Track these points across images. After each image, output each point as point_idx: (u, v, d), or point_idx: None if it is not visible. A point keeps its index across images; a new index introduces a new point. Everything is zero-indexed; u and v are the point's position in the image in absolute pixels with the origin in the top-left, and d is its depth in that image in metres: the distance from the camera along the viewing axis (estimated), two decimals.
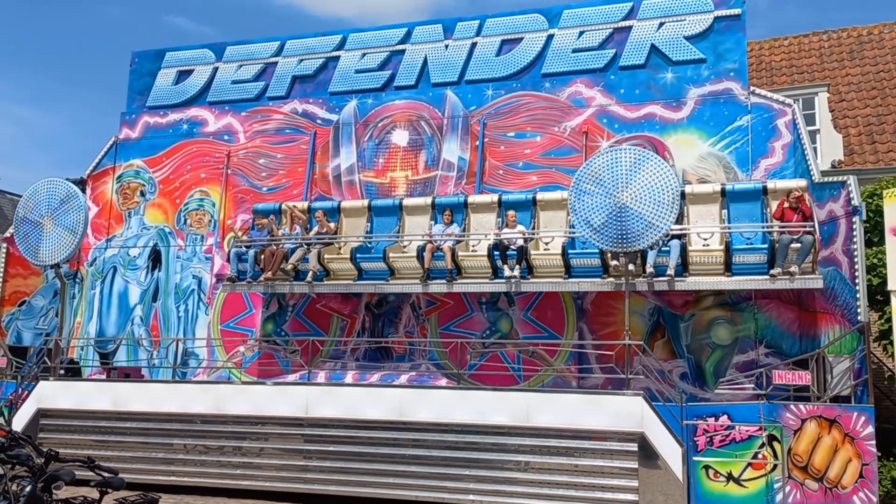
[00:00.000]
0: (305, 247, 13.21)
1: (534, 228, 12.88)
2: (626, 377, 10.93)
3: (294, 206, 13.96)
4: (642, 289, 11.72)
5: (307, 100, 15.59)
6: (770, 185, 12.13)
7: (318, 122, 15.38)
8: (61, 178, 14.25)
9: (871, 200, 12.51)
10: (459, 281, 12.54)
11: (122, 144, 16.66)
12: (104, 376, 14.76)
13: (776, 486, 10.11)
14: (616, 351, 11.72)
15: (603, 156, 11.32)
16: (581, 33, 14.30)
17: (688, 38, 13.60)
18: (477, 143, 14.30)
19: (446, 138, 14.56)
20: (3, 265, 15.92)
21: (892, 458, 11.47)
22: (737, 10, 13.45)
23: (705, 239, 11.95)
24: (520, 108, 14.26)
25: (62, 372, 13.89)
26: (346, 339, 14.24)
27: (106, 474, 6.42)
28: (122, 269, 16.03)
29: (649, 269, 11.42)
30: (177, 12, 65.15)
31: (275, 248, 13.24)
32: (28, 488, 6.03)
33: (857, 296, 10.83)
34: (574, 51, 14.25)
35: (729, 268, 11.63)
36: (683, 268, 11.67)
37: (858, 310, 10.79)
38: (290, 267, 13.13)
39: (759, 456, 10.18)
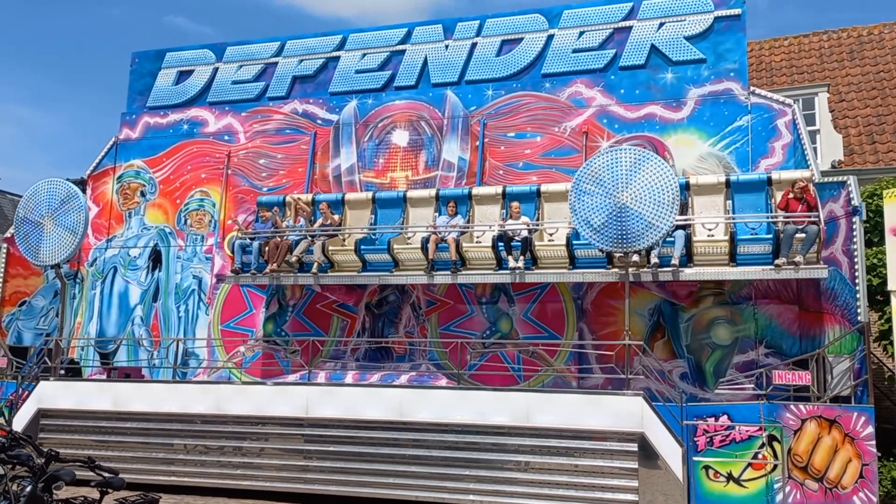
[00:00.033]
0: (310, 239, 13.24)
1: (538, 220, 12.89)
2: (626, 377, 10.93)
3: (298, 199, 13.98)
4: (647, 279, 11.68)
5: (307, 100, 15.59)
6: (775, 175, 12.12)
7: (319, 122, 15.38)
8: (61, 179, 14.25)
9: (871, 201, 12.51)
10: (464, 272, 12.55)
11: (123, 145, 16.67)
12: (104, 376, 14.76)
13: (776, 486, 10.11)
14: (616, 351, 11.72)
15: (603, 156, 11.32)
16: (581, 33, 14.30)
17: (688, 39, 13.60)
18: (477, 143, 14.30)
19: (446, 138, 14.56)
20: (3, 265, 15.93)
21: (892, 459, 11.47)
22: (737, 11, 13.45)
23: (710, 229, 11.93)
24: (520, 108, 14.27)
25: (62, 372, 13.89)
26: (346, 339, 14.25)
27: (106, 474, 6.43)
28: (123, 270, 16.04)
29: (654, 260, 11.41)
30: (177, 12, 65.20)
31: (279, 240, 13.28)
32: (28, 488, 6.04)
33: (857, 296, 10.84)
34: (574, 51, 14.25)
35: (733, 258, 11.61)
36: (688, 258, 11.64)
37: (858, 310, 10.80)
38: (294, 259, 13.16)
39: (760, 456, 10.18)
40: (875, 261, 12.11)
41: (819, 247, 11.14)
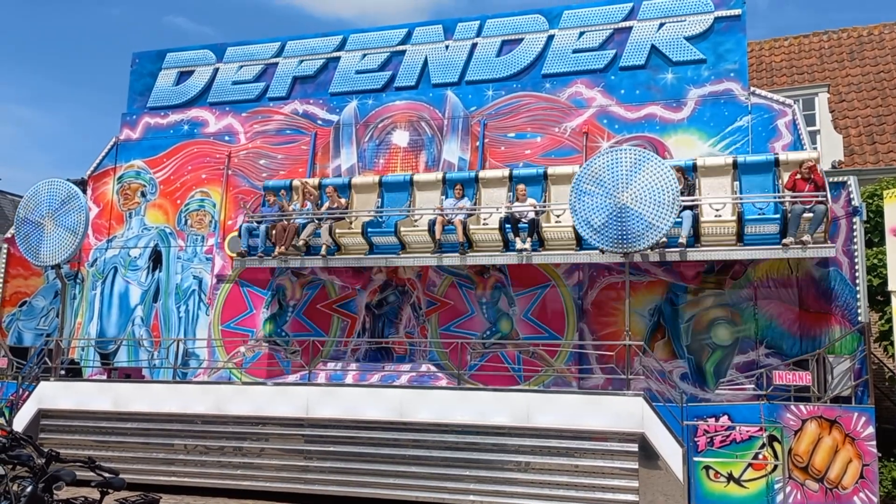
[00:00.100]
0: (316, 222, 13.25)
1: (545, 202, 12.90)
2: (626, 377, 10.93)
3: (305, 182, 14.00)
4: (654, 259, 11.66)
5: (308, 100, 15.60)
6: (782, 157, 12.10)
7: (319, 122, 15.39)
8: (62, 179, 14.26)
9: (871, 201, 12.52)
10: (471, 254, 12.56)
11: (123, 145, 16.67)
12: (105, 377, 14.75)
13: (777, 486, 10.11)
14: (616, 351, 11.73)
15: (603, 156, 11.32)
16: (581, 34, 14.30)
17: (688, 39, 13.60)
18: (477, 143, 14.30)
19: (447, 139, 14.57)
20: (3, 266, 15.94)
21: (892, 459, 11.47)
22: (737, 11, 13.45)
23: (717, 210, 11.93)
24: (520, 108, 14.27)
25: (63, 372, 13.89)
26: (346, 339, 14.25)
27: (107, 475, 6.44)
28: (123, 270, 16.04)
29: (661, 240, 11.38)
30: (177, 12, 65.21)
31: (286, 223, 13.30)
32: (29, 489, 6.05)
33: (858, 296, 10.85)
34: (574, 51, 14.25)
35: (741, 239, 11.59)
36: (695, 239, 11.62)
37: (859, 310, 10.81)
38: (301, 242, 13.18)
39: (760, 456, 10.18)
40: (875, 261, 12.11)
41: (827, 226, 11.09)
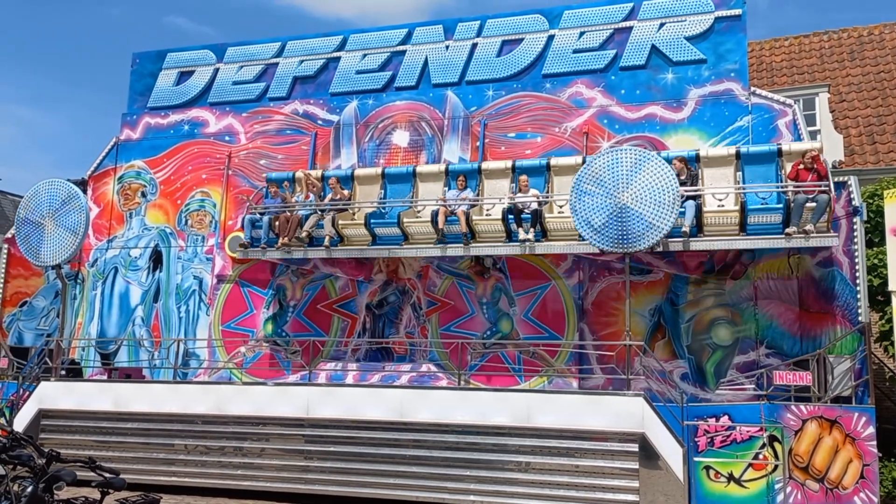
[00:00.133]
0: (319, 213, 13.27)
1: (547, 192, 12.89)
2: (626, 378, 10.93)
3: (308, 174, 14.01)
4: (658, 249, 11.61)
5: (308, 101, 15.60)
6: (785, 147, 12.10)
7: (319, 122, 15.39)
8: (62, 179, 14.27)
9: (871, 201, 12.52)
10: (474, 244, 12.56)
11: (123, 145, 16.68)
12: (105, 377, 14.76)
13: (777, 486, 10.11)
14: (617, 351, 11.72)
15: (603, 156, 11.32)
16: (582, 34, 14.30)
17: (688, 39, 13.60)
18: (477, 143, 14.30)
19: (447, 139, 14.57)
20: (4, 266, 15.95)
21: (892, 459, 11.48)
22: (737, 11, 13.45)
23: (720, 200, 11.92)
24: (520, 108, 14.27)
25: (63, 373, 13.90)
26: (346, 339, 14.26)
27: (107, 475, 6.44)
28: (124, 270, 16.05)
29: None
30: (177, 13, 65.23)
31: (289, 214, 13.32)
32: (29, 489, 6.05)
33: (858, 296, 10.85)
34: (575, 51, 14.25)
35: (744, 229, 11.58)
36: (698, 229, 11.61)
37: (859, 310, 10.80)
38: (304, 234, 13.19)
39: (760, 456, 10.18)
40: (876, 261, 12.11)
41: (829, 216, 11.08)
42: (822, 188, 10.95)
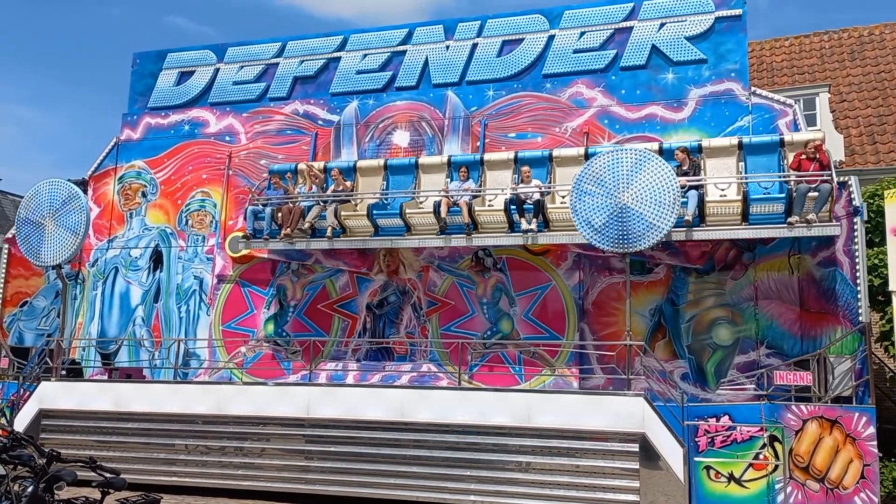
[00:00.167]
0: (322, 204, 13.29)
1: (550, 183, 12.90)
2: (627, 378, 10.93)
3: (311, 166, 14.02)
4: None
5: (308, 101, 15.60)
6: (787, 137, 12.13)
7: (320, 122, 15.39)
8: (63, 179, 14.27)
9: (872, 201, 12.52)
10: (477, 235, 12.58)
11: (124, 145, 16.68)
12: (106, 377, 14.76)
13: (777, 486, 10.11)
14: (617, 351, 11.72)
15: (604, 156, 11.32)
16: (582, 34, 14.30)
17: (689, 39, 13.60)
18: (478, 143, 14.30)
19: (447, 139, 14.57)
20: (5, 266, 15.95)
21: (893, 459, 11.47)
22: (738, 11, 13.45)
23: (722, 190, 11.91)
24: (521, 108, 14.27)
25: (64, 373, 13.90)
26: (347, 339, 14.26)
27: (108, 475, 6.45)
28: (124, 270, 16.05)
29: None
30: (177, 13, 65.24)
31: (291, 205, 13.36)
32: (30, 489, 6.06)
33: (859, 296, 10.84)
34: (575, 51, 14.25)
35: (746, 218, 11.58)
36: (700, 219, 11.61)
37: (860, 310, 10.80)
38: (307, 225, 13.22)
39: (761, 457, 10.18)
40: (876, 261, 12.11)
41: (832, 205, 11.08)
42: (825, 178, 10.95)
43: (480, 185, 13.25)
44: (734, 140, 12.36)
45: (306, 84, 15.82)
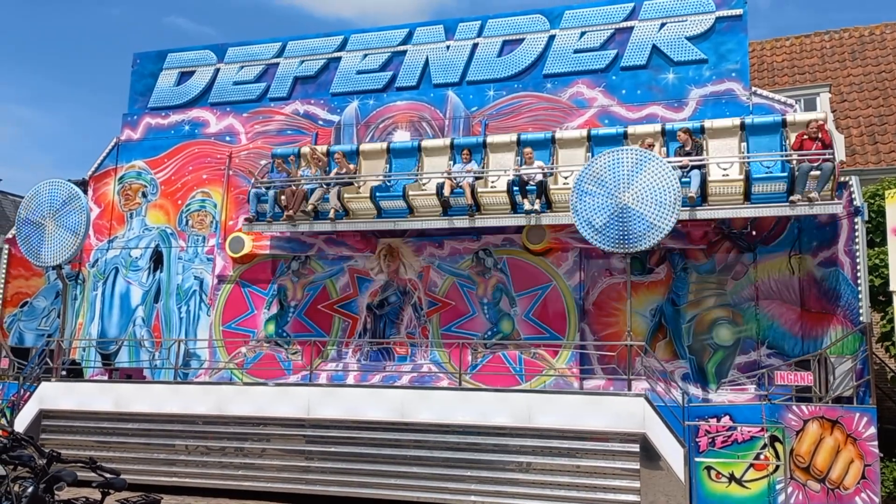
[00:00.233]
0: (325, 187, 13.31)
1: (553, 164, 12.92)
2: (627, 378, 10.93)
3: (314, 149, 14.04)
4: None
5: (309, 101, 15.60)
6: (789, 117, 12.12)
7: (320, 122, 15.38)
8: (63, 179, 14.27)
9: (872, 201, 12.50)
10: (479, 216, 12.59)
11: (124, 145, 16.68)
12: (106, 377, 14.76)
13: (778, 486, 10.11)
14: (618, 352, 11.72)
15: (605, 156, 11.32)
16: (582, 34, 14.30)
17: (689, 39, 13.60)
18: None
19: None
20: (5, 266, 15.95)
21: (894, 459, 11.46)
22: (738, 11, 13.44)
23: (725, 169, 11.89)
24: (521, 108, 14.26)
25: (64, 373, 13.90)
26: (347, 339, 14.25)
27: (108, 475, 6.45)
28: (124, 270, 16.05)
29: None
30: (177, 13, 65.24)
31: (294, 188, 13.38)
32: (30, 489, 6.06)
33: (860, 296, 10.84)
34: (575, 51, 14.25)
35: (748, 198, 11.57)
36: (703, 199, 11.60)
37: (860, 310, 10.80)
38: (310, 207, 13.26)
39: (762, 457, 10.17)
40: (877, 261, 12.10)
41: (834, 184, 11.06)
42: (827, 157, 10.94)
43: (483, 167, 13.25)
44: (736, 121, 12.35)
45: (307, 84, 15.81)
